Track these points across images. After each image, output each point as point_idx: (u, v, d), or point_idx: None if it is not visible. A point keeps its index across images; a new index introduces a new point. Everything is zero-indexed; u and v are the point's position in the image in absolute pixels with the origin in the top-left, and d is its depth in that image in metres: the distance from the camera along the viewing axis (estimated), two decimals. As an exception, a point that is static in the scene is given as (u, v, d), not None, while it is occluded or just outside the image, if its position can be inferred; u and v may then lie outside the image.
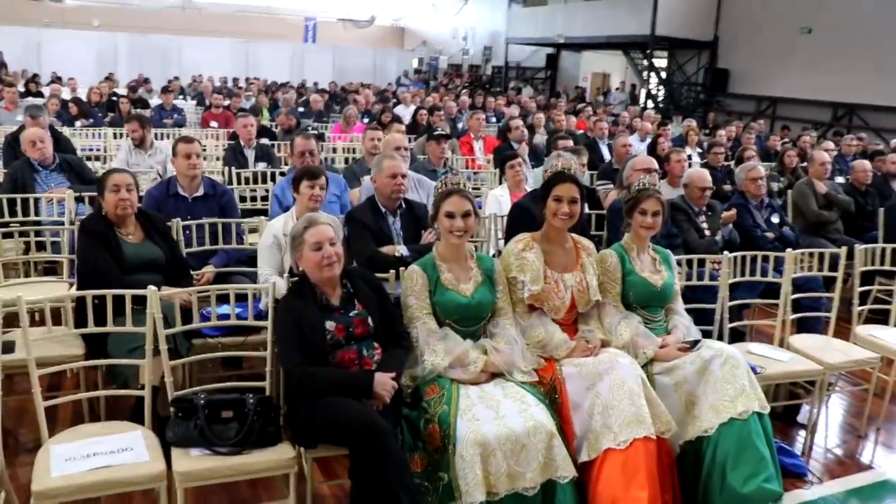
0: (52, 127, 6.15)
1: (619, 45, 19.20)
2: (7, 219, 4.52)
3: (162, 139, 8.36)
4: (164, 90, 10.89)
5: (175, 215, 4.15)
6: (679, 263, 4.03)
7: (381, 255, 3.69)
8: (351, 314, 2.80)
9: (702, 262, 4.01)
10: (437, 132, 6.01)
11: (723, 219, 4.80)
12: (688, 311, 3.91)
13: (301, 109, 12.51)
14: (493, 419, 2.64)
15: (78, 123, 9.06)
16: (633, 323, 3.20)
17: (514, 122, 7.43)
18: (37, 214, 4.63)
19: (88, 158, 7.44)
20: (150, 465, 2.47)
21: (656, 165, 4.60)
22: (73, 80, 12.85)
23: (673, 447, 2.99)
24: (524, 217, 4.20)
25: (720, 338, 3.80)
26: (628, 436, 2.72)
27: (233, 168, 5.79)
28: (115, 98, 12.26)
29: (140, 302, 2.95)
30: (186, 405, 2.61)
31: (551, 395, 2.93)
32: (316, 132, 5.94)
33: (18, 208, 4.55)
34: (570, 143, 6.38)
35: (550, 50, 23.40)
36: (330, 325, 2.73)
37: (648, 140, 8.92)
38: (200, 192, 4.33)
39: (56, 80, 16.24)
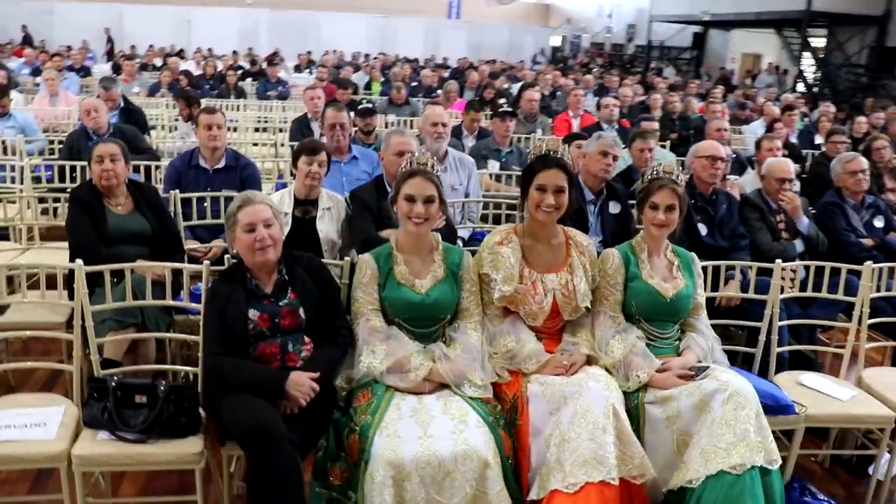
0: (125, 97, 6.34)
1: (771, 22, 17.41)
2: (61, 184, 4.67)
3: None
4: (270, 63, 11.11)
5: (194, 187, 4.07)
6: (744, 273, 3.40)
7: (377, 238, 3.37)
8: (281, 303, 2.52)
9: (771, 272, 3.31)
10: (502, 108, 5.56)
11: (786, 200, 3.99)
12: (739, 329, 3.30)
13: (414, 84, 12.43)
14: (416, 438, 2.27)
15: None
16: (629, 338, 2.68)
17: (604, 100, 6.80)
18: (87, 181, 4.74)
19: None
20: (52, 444, 2.35)
21: (723, 153, 3.92)
22: (198, 54, 13.48)
23: (657, 493, 2.48)
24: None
25: (764, 365, 3.17)
26: (580, 478, 2.26)
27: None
28: (238, 71, 12.80)
29: (115, 275, 2.86)
30: (101, 386, 2.45)
31: (511, 415, 2.51)
32: (371, 105, 5.68)
33: (74, 174, 4.70)
34: (655, 125, 5.74)
35: (698, 28, 21.76)
36: (253, 313, 2.47)
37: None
38: (222, 164, 4.21)
39: (198, 54, 17.26)
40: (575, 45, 27.81)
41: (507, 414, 2.52)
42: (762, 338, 3.17)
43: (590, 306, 2.73)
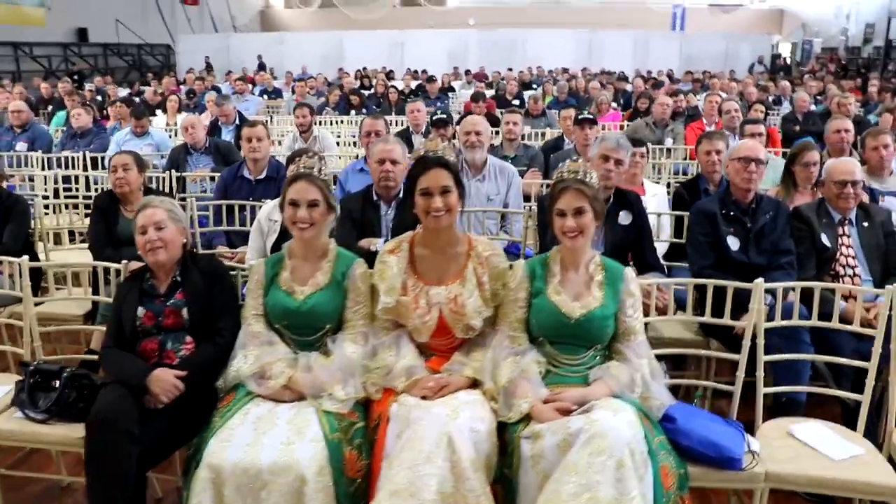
0: (240, 114, 6.93)
1: None
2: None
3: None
4: (429, 79, 11.43)
5: (239, 196, 4.37)
6: (786, 295, 2.83)
7: (355, 248, 3.35)
8: (169, 303, 2.61)
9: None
10: (583, 116, 5.20)
11: None
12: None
13: (585, 95, 12.15)
14: (244, 445, 2.21)
15: (353, 112, 10.05)
16: (523, 362, 2.37)
17: (726, 104, 6.04)
18: (183, 191, 5.29)
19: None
20: (-23, 419, 2.65)
21: (761, 154, 3.29)
22: (381, 73, 14.26)
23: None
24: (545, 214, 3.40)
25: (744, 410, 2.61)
26: (385, 509, 2.04)
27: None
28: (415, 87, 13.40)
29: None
30: (26, 369, 2.71)
31: (372, 435, 2.35)
32: (445, 115, 5.58)
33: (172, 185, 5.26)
34: (760, 128, 4.99)
35: (956, 19, 18.43)
36: (141, 311, 2.59)
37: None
38: (264, 175, 4.47)
39: (408, 74, 18.29)
40: (806, 51, 25.04)
41: (370, 433, 2.36)
42: (740, 374, 2.61)
43: (481, 324, 2.46)
